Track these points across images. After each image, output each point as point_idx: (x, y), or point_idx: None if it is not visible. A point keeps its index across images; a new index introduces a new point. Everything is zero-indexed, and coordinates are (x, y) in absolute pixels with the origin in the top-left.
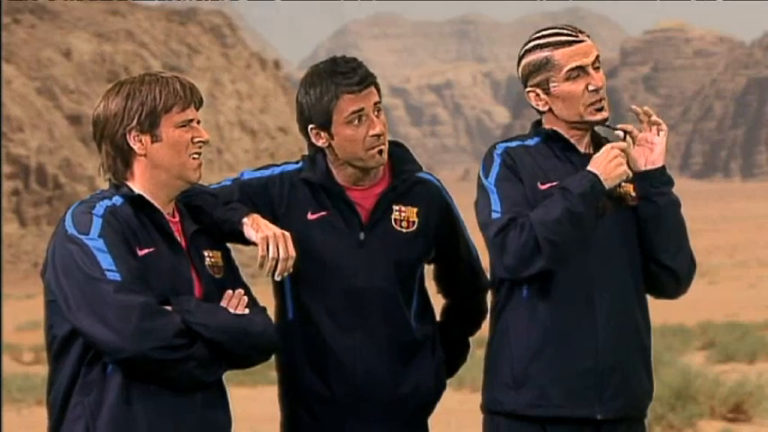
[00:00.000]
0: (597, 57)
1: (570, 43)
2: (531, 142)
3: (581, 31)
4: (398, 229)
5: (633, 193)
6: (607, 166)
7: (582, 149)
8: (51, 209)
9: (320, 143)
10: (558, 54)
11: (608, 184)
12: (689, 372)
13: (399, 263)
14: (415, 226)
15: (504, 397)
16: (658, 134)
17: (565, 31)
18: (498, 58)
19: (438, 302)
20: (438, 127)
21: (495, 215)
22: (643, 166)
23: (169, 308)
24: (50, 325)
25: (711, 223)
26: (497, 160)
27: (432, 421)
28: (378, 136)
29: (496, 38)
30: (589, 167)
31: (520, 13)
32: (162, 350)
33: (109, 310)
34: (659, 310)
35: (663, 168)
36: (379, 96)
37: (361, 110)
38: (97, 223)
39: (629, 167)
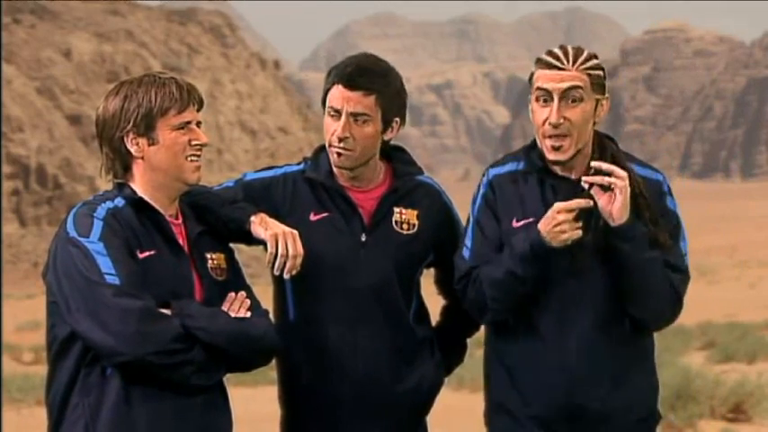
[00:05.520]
0: (575, 88)
1: (550, 66)
2: (520, 166)
3: (574, 59)
4: (399, 230)
5: None
6: (551, 230)
7: (573, 175)
8: (51, 209)
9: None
10: (537, 73)
11: (554, 245)
12: (689, 372)
13: (400, 264)
14: (416, 228)
15: (488, 421)
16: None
17: (552, 54)
18: (498, 58)
19: (433, 305)
20: (438, 127)
21: (465, 252)
22: (608, 218)
23: (168, 311)
24: (52, 325)
25: (711, 223)
26: (482, 191)
27: (431, 421)
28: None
29: (496, 38)
30: (539, 225)
31: (520, 13)
32: (159, 354)
33: (107, 314)
34: None
35: (622, 226)
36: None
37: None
38: (97, 226)
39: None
